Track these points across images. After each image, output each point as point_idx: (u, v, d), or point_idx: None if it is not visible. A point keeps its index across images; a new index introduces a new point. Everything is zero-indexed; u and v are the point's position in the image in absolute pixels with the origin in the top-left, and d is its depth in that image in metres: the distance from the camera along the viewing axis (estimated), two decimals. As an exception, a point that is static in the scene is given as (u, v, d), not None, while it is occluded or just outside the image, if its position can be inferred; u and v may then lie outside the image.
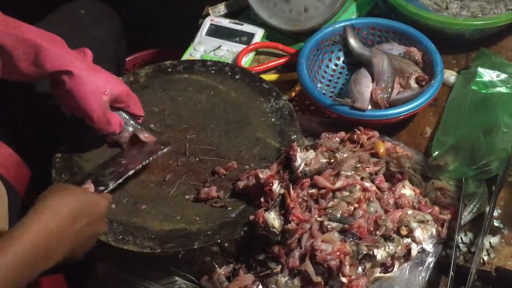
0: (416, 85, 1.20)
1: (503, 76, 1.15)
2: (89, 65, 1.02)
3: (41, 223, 0.80)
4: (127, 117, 1.09)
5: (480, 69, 1.16)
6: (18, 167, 1.11)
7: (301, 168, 1.02)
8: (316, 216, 0.97)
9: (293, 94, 1.27)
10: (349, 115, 1.13)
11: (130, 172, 1.03)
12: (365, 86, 1.19)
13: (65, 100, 1.03)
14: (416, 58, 1.24)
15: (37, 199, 0.84)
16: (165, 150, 1.09)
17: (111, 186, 1.00)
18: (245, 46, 1.36)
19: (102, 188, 0.99)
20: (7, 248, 0.76)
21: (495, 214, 1.06)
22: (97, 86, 1.00)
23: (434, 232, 1.00)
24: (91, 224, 0.86)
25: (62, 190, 0.87)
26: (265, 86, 1.20)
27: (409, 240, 0.98)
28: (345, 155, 1.06)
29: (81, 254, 0.88)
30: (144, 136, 1.10)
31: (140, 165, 1.05)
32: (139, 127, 1.10)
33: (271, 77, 1.31)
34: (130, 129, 1.09)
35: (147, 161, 1.06)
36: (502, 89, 1.13)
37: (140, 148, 1.10)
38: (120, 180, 1.02)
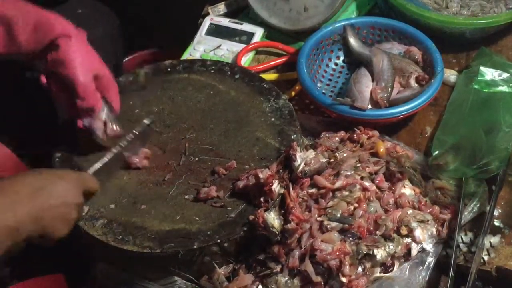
0: (416, 85, 1.19)
1: (505, 75, 1.15)
2: (84, 40, 1.04)
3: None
4: (103, 103, 1.08)
5: (482, 68, 1.16)
6: (16, 167, 1.11)
7: (301, 167, 1.02)
8: (316, 216, 0.97)
9: (293, 93, 1.27)
10: (349, 115, 1.13)
11: (114, 150, 1.06)
12: (365, 86, 1.18)
13: (53, 72, 1.03)
14: (416, 57, 1.24)
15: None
16: (147, 122, 1.11)
17: (94, 167, 1.03)
18: (244, 45, 1.36)
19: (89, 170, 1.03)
20: None
21: (496, 213, 1.06)
22: (87, 58, 1.03)
23: (434, 232, 0.99)
24: (56, 205, 0.89)
25: (35, 170, 0.92)
26: (265, 85, 1.20)
27: (409, 239, 0.98)
28: (345, 154, 1.06)
29: (50, 234, 0.90)
30: (112, 128, 1.08)
31: (123, 144, 1.07)
32: (112, 116, 1.09)
33: (270, 76, 1.31)
34: (103, 117, 1.08)
35: (129, 138, 1.08)
36: (504, 88, 1.13)
37: (160, 163, 1.10)
38: (103, 161, 1.04)
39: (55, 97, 1.06)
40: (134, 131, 1.09)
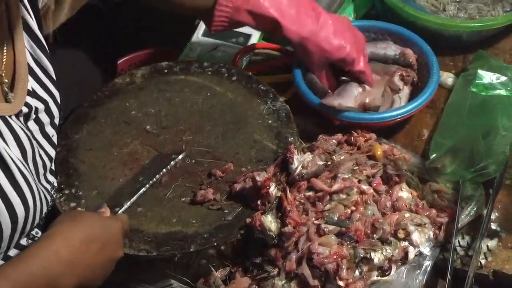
0: (401, 82, 1.20)
1: (503, 78, 1.15)
2: None
3: (50, 250, 0.80)
4: None
5: (480, 71, 1.16)
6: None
7: (298, 170, 1.01)
8: (313, 219, 0.97)
9: (290, 95, 1.27)
10: (345, 118, 1.13)
11: (144, 189, 1.03)
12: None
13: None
14: (410, 60, 1.23)
15: (49, 226, 0.84)
16: (180, 157, 1.08)
17: (125, 205, 1.00)
18: (242, 47, 1.36)
19: (117, 209, 0.99)
20: (9, 273, 0.76)
21: (493, 217, 1.06)
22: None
23: (432, 235, 0.99)
24: (105, 249, 0.86)
25: (74, 217, 0.87)
26: (262, 87, 1.19)
27: (406, 243, 0.98)
28: (342, 157, 1.06)
29: (98, 281, 0.87)
30: None
31: (154, 179, 1.04)
32: None
33: (268, 78, 1.31)
34: None
35: (161, 173, 1.05)
36: (502, 92, 1.13)
37: (154, 160, 1.09)
38: (134, 198, 1.01)
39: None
40: (168, 166, 1.06)
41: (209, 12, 1.13)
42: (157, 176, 1.05)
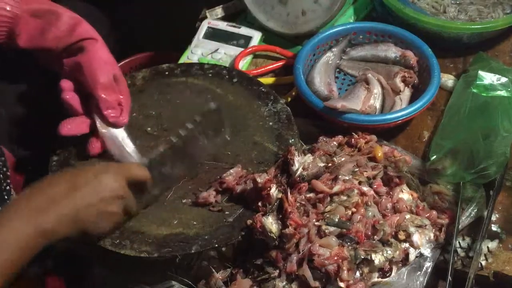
0: (402, 84, 1.20)
1: (504, 79, 1.14)
2: (105, 44, 1.08)
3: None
4: None
5: (481, 72, 1.16)
6: (13, 170, 1.11)
7: (298, 172, 1.01)
8: (314, 220, 0.97)
9: (291, 97, 1.27)
10: (346, 120, 1.13)
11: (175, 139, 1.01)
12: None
13: (73, 72, 1.05)
14: (411, 62, 1.24)
15: None
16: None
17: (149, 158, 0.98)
18: (242, 49, 1.36)
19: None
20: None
21: (493, 218, 1.06)
22: (110, 59, 1.06)
23: (432, 237, 0.99)
24: (93, 203, 0.87)
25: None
26: (263, 89, 1.20)
27: (407, 244, 0.98)
28: (342, 159, 1.06)
29: (92, 232, 0.89)
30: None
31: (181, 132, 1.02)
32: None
33: (268, 80, 1.31)
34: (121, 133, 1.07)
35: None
36: (503, 93, 1.13)
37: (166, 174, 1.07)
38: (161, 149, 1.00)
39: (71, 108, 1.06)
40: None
41: None
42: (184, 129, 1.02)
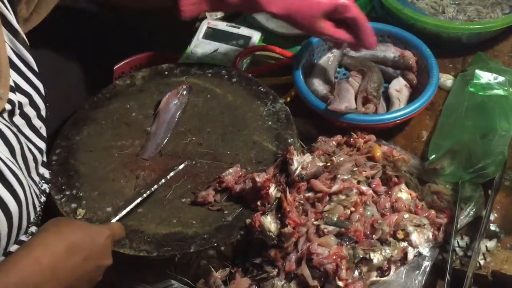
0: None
1: (501, 78, 1.15)
2: None
3: (31, 258, 0.79)
4: None
5: (477, 71, 1.16)
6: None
7: (297, 171, 1.02)
8: (313, 219, 0.97)
9: (290, 97, 1.27)
10: (345, 120, 1.13)
11: (140, 198, 1.01)
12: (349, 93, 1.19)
13: None
14: (410, 62, 1.24)
15: (34, 233, 0.83)
16: (181, 167, 1.07)
17: (119, 215, 0.99)
18: (242, 49, 1.36)
19: (111, 218, 0.98)
20: None
21: (492, 218, 1.06)
22: None
23: (431, 236, 1.00)
24: (91, 257, 0.84)
25: (58, 225, 0.85)
26: (262, 89, 1.20)
27: (405, 244, 0.98)
28: (341, 158, 1.06)
29: None
30: None
31: (153, 188, 1.03)
32: None
33: (267, 80, 1.31)
34: None
35: (161, 182, 1.04)
36: (500, 92, 1.13)
37: (157, 167, 1.08)
38: (131, 206, 1.00)
39: None
40: (167, 176, 1.04)
41: None
42: (155, 186, 1.03)
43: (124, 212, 0.99)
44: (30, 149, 0.96)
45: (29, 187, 0.92)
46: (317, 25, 1.10)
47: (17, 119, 0.95)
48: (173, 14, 1.18)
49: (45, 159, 1.05)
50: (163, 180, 1.04)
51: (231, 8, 1.13)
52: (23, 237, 0.94)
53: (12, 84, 0.93)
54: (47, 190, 1.03)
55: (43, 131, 1.02)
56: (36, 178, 0.99)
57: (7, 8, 0.96)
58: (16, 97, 0.94)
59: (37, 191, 0.98)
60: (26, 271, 0.78)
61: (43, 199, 1.01)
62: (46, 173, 1.03)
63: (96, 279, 0.88)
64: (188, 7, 1.08)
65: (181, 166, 1.07)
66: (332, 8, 1.09)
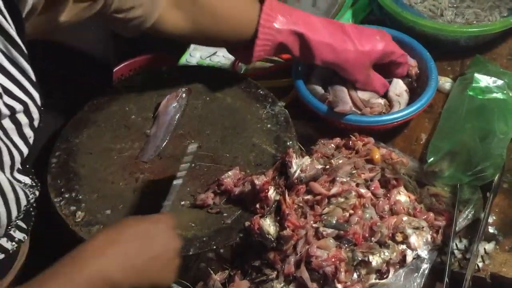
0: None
1: (500, 82, 1.15)
2: None
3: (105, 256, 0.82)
4: None
5: (476, 75, 1.16)
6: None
7: (296, 174, 1.02)
8: (312, 222, 0.98)
9: (289, 100, 1.27)
10: (347, 121, 1.13)
11: (179, 182, 0.98)
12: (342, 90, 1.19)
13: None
14: (413, 72, 1.24)
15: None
16: (195, 147, 1.03)
17: (166, 202, 0.96)
18: (241, 52, 1.36)
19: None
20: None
21: (490, 220, 1.06)
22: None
23: (429, 239, 1.00)
24: (158, 256, 0.86)
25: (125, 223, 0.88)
26: (261, 92, 1.20)
27: (404, 246, 0.98)
28: (340, 161, 1.06)
29: (158, 284, 0.87)
30: None
31: (184, 172, 1.00)
32: None
33: (266, 83, 1.31)
34: None
35: (191, 164, 1.02)
36: (499, 95, 1.13)
37: (157, 169, 1.08)
38: (173, 195, 0.97)
39: None
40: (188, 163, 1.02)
41: (249, 40, 1.10)
42: (185, 169, 1.00)
43: (170, 200, 0.96)
44: (10, 151, 0.96)
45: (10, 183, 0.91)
46: (365, 73, 1.16)
47: (6, 122, 0.95)
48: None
49: (24, 166, 1.04)
50: (189, 165, 1.01)
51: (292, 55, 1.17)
52: (2, 240, 0.94)
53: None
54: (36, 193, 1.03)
55: (31, 140, 1.02)
56: (19, 177, 0.99)
57: (5, 18, 0.96)
58: (9, 101, 0.93)
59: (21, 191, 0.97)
60: (104, 265, 0.82)
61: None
62: (26, 179, 1.03)
63: (173, 263, 0.88)
64: (259, 53, 1.12)
65: (195, 147, 1.03)
66: (386, 53, 1.16)
